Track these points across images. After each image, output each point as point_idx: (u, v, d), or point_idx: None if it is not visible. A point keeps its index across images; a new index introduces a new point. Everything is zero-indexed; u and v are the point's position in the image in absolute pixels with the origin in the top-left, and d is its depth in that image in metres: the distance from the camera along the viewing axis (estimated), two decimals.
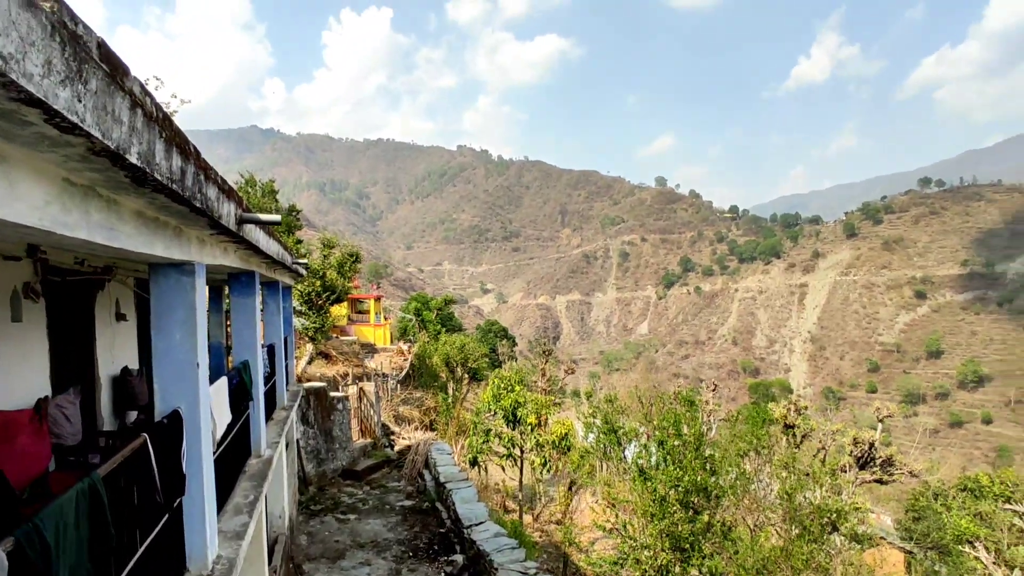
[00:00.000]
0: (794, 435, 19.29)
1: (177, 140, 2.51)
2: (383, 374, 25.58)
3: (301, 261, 11.33)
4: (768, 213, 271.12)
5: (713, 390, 26.80)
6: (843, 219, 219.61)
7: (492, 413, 16.76)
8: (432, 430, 22.46)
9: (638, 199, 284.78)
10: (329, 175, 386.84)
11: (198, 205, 2.99)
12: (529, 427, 16.46)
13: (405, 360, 30.39)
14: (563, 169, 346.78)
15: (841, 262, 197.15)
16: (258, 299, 8.18)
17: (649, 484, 11.53)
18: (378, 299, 37.99)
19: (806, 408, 22.53)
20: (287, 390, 12.39)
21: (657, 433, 11.99)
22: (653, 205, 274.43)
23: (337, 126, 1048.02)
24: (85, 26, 1.54)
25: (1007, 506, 17.63)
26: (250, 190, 36.07)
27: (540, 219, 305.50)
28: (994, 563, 15.27)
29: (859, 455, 19.64)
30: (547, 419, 18.15)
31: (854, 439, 19.75)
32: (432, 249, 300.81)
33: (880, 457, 19.61)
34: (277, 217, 4.76)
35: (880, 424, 21.99)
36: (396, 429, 21.30)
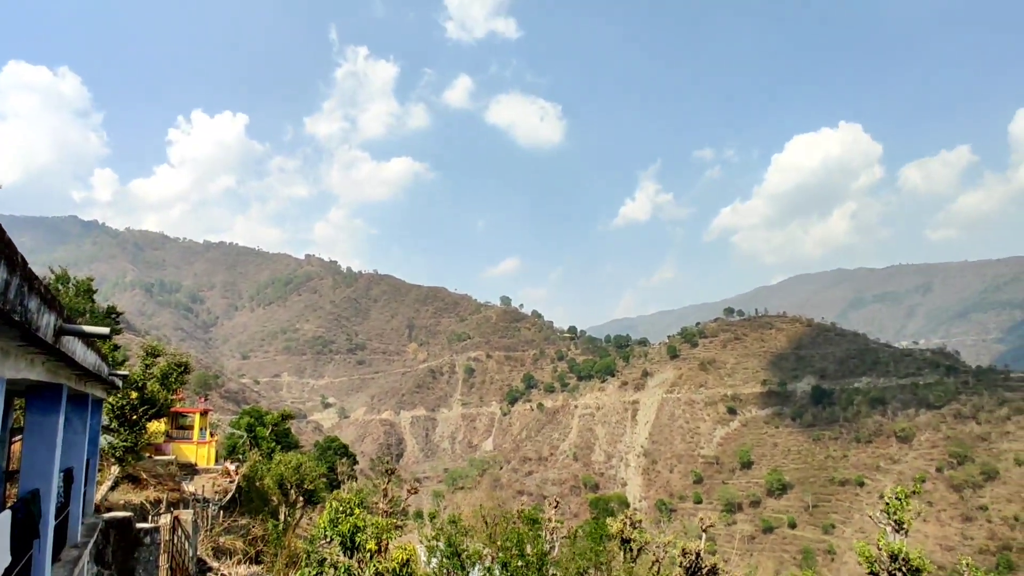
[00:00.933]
0: (630, 549, 19.99)
1: (5, 252, 2.36)
2: (204, 499, 22.72)
3: (119, 372, 10.21)
4: (603, 334, 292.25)
5: (555, 507, 27.19)
6: (666, 342, 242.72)
7: (328, 540, 15.48)
8: (258, 563, 20.00)
9: (484, 317, 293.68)
10: (159, 275, 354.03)
11: (17, 319, 2.79)
12: (368, 554, 15.38)
13: (231, 482, 27.33)
14: (412, 284, 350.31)
15: (667, 381, 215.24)
16: (62, 417, 7.20)
17: None
18: (204, 413, 34.22)
19: (640, 522, 23.60)
20: (82, 523, 10.61)
21: (500, 554, 11.89)
22: (499, 323, 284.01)
23: (174, 225, 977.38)
24: None
25: None
26: (61, 287, 31.96)
27: (387, 333, 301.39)
28: None
29: (688, 565, 20.72)
30: (388, 544, 17.10)
31: (683, 550, 20.87)
32: (271, 360, 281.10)
33: (706, 566, 20.82)
34: (105, 330, 4.45)
35: (704, 534, 23.53)
36: (215, 564, 18.70)
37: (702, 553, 21.02)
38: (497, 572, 11.89)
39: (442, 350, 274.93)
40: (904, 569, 15.06)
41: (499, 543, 12.02)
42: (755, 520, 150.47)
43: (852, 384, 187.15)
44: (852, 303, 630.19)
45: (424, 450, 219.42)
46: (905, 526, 15.92)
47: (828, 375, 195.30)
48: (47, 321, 3.73)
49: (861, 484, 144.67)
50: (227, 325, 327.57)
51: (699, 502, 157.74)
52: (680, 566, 20.96)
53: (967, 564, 16.44)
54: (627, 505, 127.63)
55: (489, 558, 15.00)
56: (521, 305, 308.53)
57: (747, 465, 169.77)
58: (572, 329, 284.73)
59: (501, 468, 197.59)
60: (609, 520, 21.03)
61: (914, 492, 17.24)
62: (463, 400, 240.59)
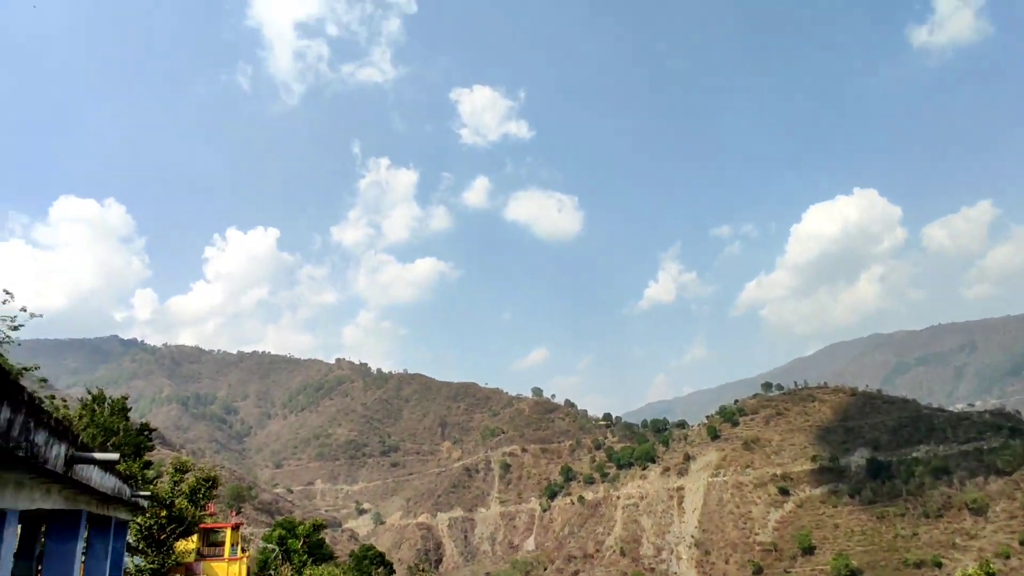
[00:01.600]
0: None
1: (8, 392, 2.41)
2: None
3: (143, 493, 10.26)
4: (639, 419, 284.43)
5: None
6: (706, 422, 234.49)
7: None
8: None
9: (516, 410, 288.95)
10: (195, 388, 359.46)
11: (22, 454, 2.87)
12: None
13: None
14: (442, 381, 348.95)
15: (710, 463, 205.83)
16: (81, 544, 7.22)
17: None
18: (236, 527, 33.49)
19: None
20: None
21: None
22: (531, 415, 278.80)
23: (209, 338, 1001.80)
24: None
25: None
26: (96, 407, 32.68)
27: (420, 432, 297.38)
28: None
29: None
30: None
31: None
32: (304, 467, 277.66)
33: None
34: (115, 456, 4.60)
35: None
36: None
37: None
38: None
39: (476, 447, 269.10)
40: None
41: None
42: None
43: (910, 454, 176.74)
44: (895, 368, 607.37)
45: (464, 553, 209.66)
46: None
47: (882, 446, 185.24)
48: (57, 452, 3.92)
49: (939, 564, 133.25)
50: (260, 434, 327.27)
51: None
52: None
53: None
54: None
55: None
56: (553, 395, 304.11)
57: (809, 550, 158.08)
58: (607, 416, 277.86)
59: (545, 569, 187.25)
60: None
61: (988, 570, 16.01)
62: (501, 498, 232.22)
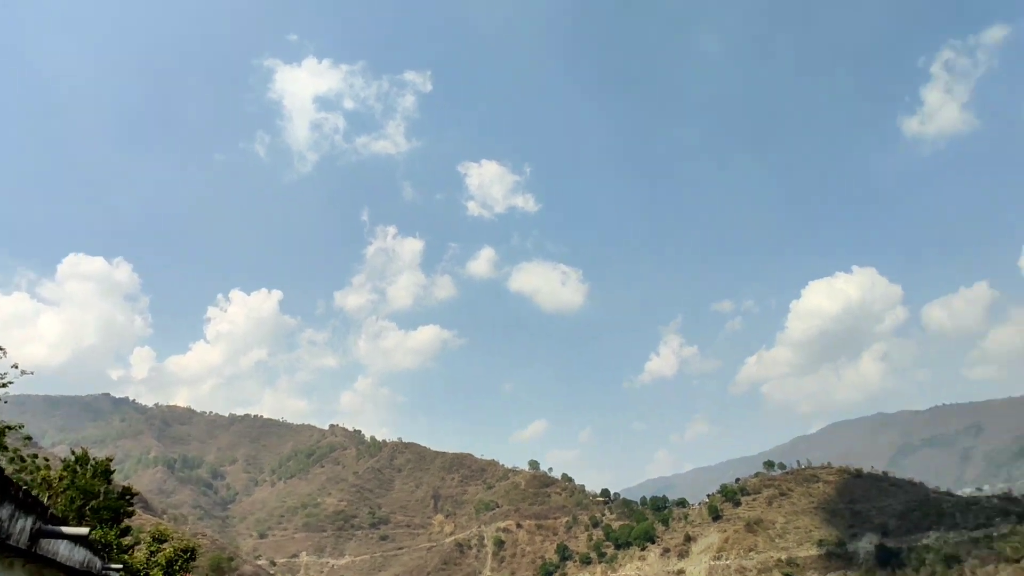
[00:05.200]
0: None
1: None
2: None
3: (114, 567, 9.78)
4: (638, 496, 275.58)
5: None
6: (707, 501, 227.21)
7: None
8: None
9: (512, 483, 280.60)
10: (183, 450, 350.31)
11: None
12: None
13: None
14: (437, 451, 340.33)
15: (712, 546, 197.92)
16: None
17: None
18: None
19: None
20: None
21: None
22: (527, 489, 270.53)
23: (204, 399, 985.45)
24: None
25: None
26: (79, 468, 31.80)
27: (411, 504, 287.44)
28: None
29: None
30: None
31: None
32: (289, 538, 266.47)
33: None
34: (84, 531, 4.42)
35: None
36: None
37: None
38: None
39: (469, 520, 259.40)
40: None
41: None
42: None
43: (920, 540, 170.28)
44: (901, 449, 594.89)
45: None
46: None
47: (891, 531, 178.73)
48: (22, 526, 3.77)
49: None
50: (246, 501, 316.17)
51: None
52: None
53: None
54: None
55: None
56: (550, 469, 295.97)
57: None
58: (605, 492, 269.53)
59: None
60: None
61: None
62: None
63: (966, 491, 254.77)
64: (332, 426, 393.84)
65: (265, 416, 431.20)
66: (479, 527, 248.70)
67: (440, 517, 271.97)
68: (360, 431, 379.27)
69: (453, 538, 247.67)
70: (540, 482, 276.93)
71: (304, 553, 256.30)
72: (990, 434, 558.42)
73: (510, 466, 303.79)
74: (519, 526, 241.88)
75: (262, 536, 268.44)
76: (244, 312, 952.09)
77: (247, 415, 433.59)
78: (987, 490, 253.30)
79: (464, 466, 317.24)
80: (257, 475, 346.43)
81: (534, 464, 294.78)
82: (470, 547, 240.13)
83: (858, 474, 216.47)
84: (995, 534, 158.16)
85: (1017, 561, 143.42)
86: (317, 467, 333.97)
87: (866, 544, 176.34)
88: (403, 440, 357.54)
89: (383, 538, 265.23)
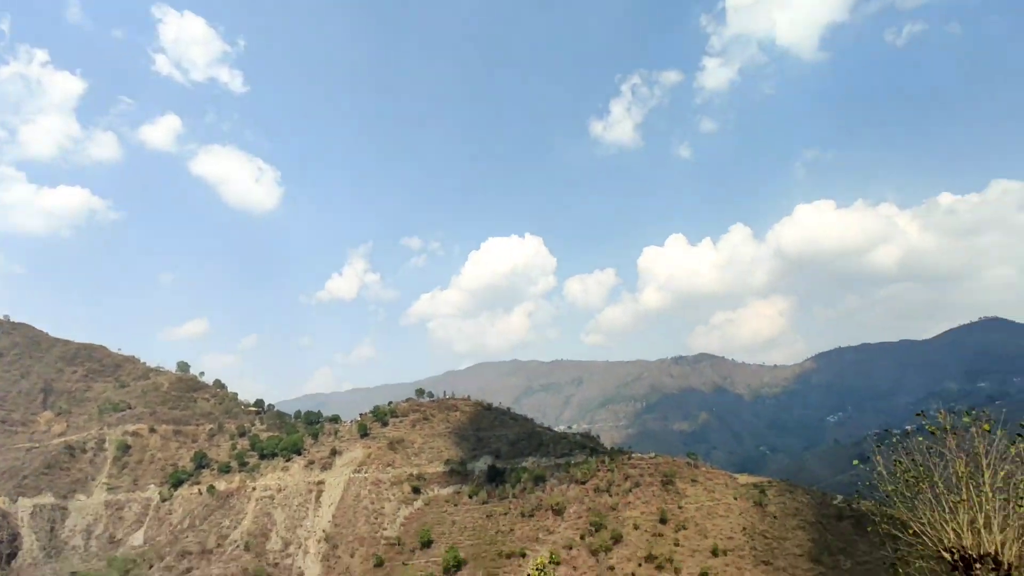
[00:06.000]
0: None
1: None
2: None
3: None
4: (293, 409, 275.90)
5: None
6: (358, 420, 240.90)
7: None
8: None
9: (153, 383, 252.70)
10: None
11: None
12: None
13: None
14: (57, 338, 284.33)
15: (355, 460, 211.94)
16: None
17: None
18: None
19: None
20: None
21: None
22: (171, 392, 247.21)
23: None
24: None
25: None
26: None
27: (12, 396, 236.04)
28: None
29: None
30: None
31: None
32: None
33: None
34: None
35: None
36: None
37: None
38: None
39: (89, 421, 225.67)
40: None
41: None
42: None
43: (520, 463, 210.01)
44: (525, 391, 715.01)
45: (46, 549, 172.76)
46: None
47: (502, 455, 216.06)
48: None
49: (523, 555, 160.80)
50: None
51: None
52: None
53: None
54: None
55: None
56: (202, 373, 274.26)
57: (427, 544, 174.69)
58: (259, 403, 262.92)
59: (151, 567, 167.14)
60: None
61: (556, 562, 22.01)
62: (110, 484, 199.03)
63: (561, 428, 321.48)
64: None
65: None
66: (101, 429, 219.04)
67: (49, 414, 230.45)
68: None
69: (64, 439, 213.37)
70: (187, 386, 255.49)
71: None
72: (586, 387, 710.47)
73: (154, 365, 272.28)
74: (152, 431, 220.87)
75: None
76: None
77: None
78: (575, 429, 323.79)
79: (93, 359, 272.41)
80: None
81: (183, 366, 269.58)
82: (84, 451, 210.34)
83: (488, 408, 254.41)
84: (572, 462, 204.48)
85: (583, 483, 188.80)
86: None
87: (481, 464, 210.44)
88: (11, 319, 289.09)
89: None
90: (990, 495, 10.02)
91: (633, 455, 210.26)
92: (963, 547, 9.90)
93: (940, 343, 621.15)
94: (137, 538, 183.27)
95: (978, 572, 9.71)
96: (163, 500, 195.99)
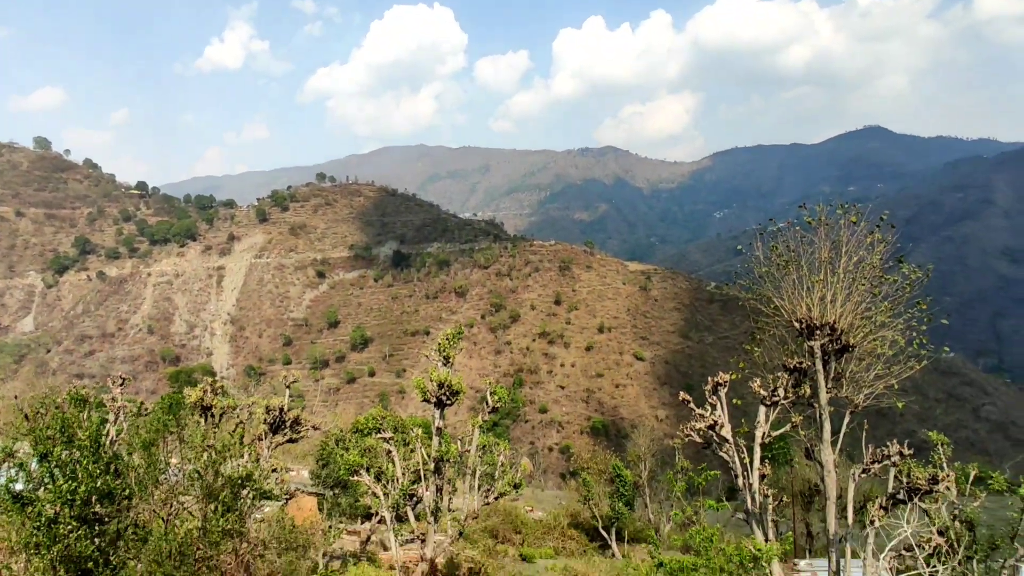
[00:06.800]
0: (212, 415, 19.68)
1: None
2: None
3: None
4: (181, 193, 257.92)
5: (121, 384, 24.23)
6: (256, 204, 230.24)
7: None
8: None
9: (8, 162, 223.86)
10: None
11: None
12: None
13: None
14: None
15: (255, 245, 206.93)
16: None
17: (32, 509, 9.87)
18: None
19: (223, 388, 23.24)
20: None
21: (38, 446, 10.33)
22: (32, 172, 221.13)
23: None
24: None
25: (379, 436, 22.74)
26: None
27: None
28: (376, 482, 19.55)
29: (271, 421, 21.64)
30: None
31: (266, 407, 21.59)
32: None
33: (289, 419, 22.11)
34: None
35: (288, 389, 24.55)
36: None
37: (285, 407, 22.18)
38: (34, 466, 10.38)
39: None
40: (447, 392, 19.17)
41: (36, 433, 10.39)
42: (340, 374, 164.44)
43: (426, 249, 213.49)
44: (431, 177, 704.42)
45: None
46: (451, 360, 19.93)
47: (407, 240, 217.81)
48: None
49: (427, 333, 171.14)
50: None
51: (288, 363, 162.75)
52: (264, 423, 21.78)
53: (489, 383, 21.64)
54: (213, 375, 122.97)
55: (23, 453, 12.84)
56: (67, 151, 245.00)
57: (334, 324, 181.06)
58: (142, 185, 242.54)
59: (49, 351, 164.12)
60: (188, 390, 19.99)
61: (459, 334, 21.36)
62: None
63: (466, 215, 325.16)
64: None
65: None
66: None
67: None
68: None
69: None
70: (52, 165, 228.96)
71: None
72: (493, 174, 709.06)
73: (5, 140, 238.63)
74: (20, 214, 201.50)
75: None
76: None
77: None
78: (480, 216, 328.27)
79: None
80: None
81: (42, 142, 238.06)
82: None
83: (393, 193, 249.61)
84: (476, 248, 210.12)
85: (485, 267, 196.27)
86: None
87: (387, 250, 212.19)
88: None
89: None
90: (842, 276, 11.60)
91: (534, 242, 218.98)
92: (810, 318, 11.71)
93: (823, 148, 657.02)
94: (26, 324, 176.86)
95: (817, 336, 11.73)
96: (48, 287, 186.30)
